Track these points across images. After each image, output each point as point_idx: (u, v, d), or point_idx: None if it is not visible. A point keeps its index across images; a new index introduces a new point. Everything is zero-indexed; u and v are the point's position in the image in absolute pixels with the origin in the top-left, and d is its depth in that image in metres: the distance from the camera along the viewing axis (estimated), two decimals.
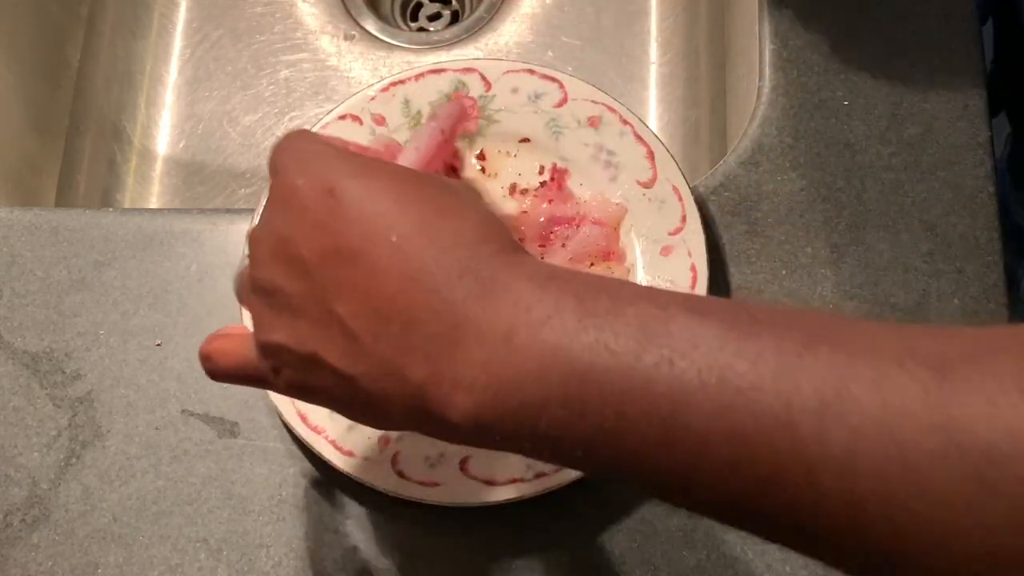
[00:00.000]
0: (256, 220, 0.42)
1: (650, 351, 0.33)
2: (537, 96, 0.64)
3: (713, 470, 0.32)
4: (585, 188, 0.62)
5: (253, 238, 0.41)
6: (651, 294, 0.35)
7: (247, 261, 0.42)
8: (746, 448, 0.32)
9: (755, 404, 0.32)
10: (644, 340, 0.33)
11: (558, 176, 0.63)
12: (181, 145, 0.86)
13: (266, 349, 0.40)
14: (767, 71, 0.65)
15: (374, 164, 0.40)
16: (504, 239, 0.39)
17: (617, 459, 0.34)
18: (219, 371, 0.45)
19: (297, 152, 0.41)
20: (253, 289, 0.41)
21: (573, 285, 0.36)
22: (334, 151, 0.41)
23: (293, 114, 0.86)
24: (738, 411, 0.32)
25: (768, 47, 0.66)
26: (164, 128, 0.87)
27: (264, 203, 0.42)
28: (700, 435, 0.32)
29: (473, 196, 0.41)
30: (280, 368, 0.40)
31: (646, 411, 0.33)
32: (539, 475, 0.56)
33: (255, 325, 0.41)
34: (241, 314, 0.59)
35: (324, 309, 0.38)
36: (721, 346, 0.33)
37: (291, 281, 0.39)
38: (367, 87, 0.65)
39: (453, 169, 0.61)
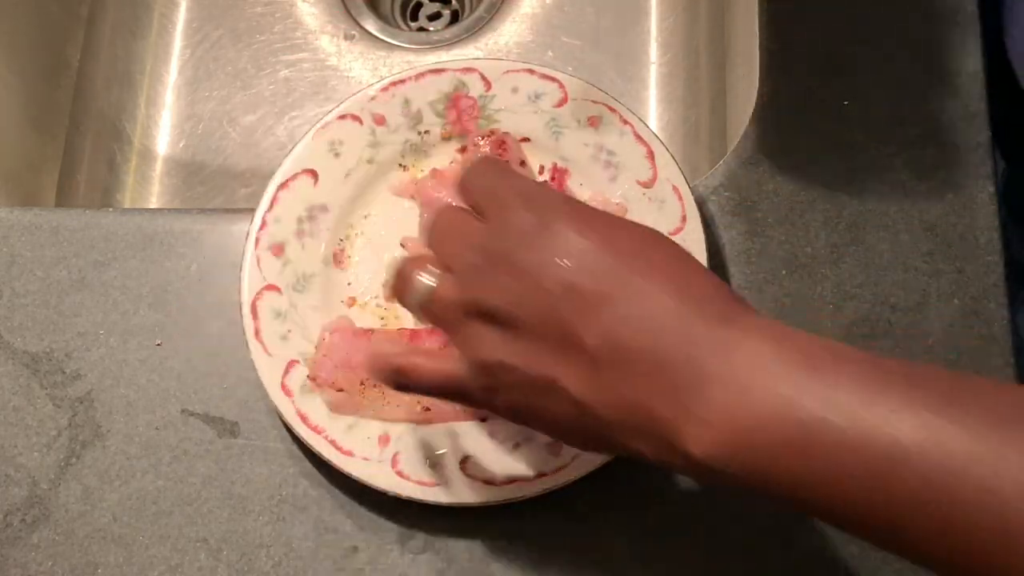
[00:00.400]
0: (449, 240, 0.46)
1: (873, 410, 0.37)
2: (537, 96, 0.64)
3: (922, 526, 0.36)
4: (585, 188, 0.62)
5: (466, 263, 0.44)
6: (865, 356, 0.39)
7: (425, 282, 0.45)
8: (959, 510, 0.35)
9: (970, 471, 0.35)
10: (867, 399, 0.37)
11: (558, 176, 0.63)
12: (181, 145, 0.86)
13: (487, 368, 0.43)
14: (767, 71, 0.65)
15: (603, 213, 0.44)
16: (732, 293, 0.43)
17: (832, 506, 0.38)
18: (419, 386, 0.47)
19: (522, 188, 0.44)
20: (467, 311, 0.43)
21: (800, 344, 0.40)
22: (558, 193, 0.45)
23: (293, 114, 0.86)
24: (954, 476, 0.35)
25: (768, 47, 0.66)
26: (164, 128, 0.87)
27: (461, 229, 0.45)
28: (914, 493, 0.36)
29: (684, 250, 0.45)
30: (498, 387, 0.43)
31: (866, 464, 0.36)
32: (539, 475, 0.56)
33: (471, 344, 0.44)
34: (241, 311, 0.59)
35: (569, 340, 0.41)
36: (938, 412, 0.36)
37: (529, 309, 0.42)
38: (367, 87, 0.65)
39: None
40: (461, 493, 0.56)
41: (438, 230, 0.46)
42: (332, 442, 0.57)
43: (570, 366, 0.41)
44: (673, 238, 0.59)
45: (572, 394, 0.41)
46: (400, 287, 0.47)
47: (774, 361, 0.39)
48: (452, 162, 0.63)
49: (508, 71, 0.64)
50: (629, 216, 0.61)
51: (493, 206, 0.44)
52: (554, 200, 0.44)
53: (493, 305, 0.42)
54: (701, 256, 0.59)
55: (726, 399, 0.39)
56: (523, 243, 0.42)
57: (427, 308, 0.46)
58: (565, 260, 0.41)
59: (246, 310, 0.59)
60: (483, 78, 0.64)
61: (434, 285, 0.45)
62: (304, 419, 0.57)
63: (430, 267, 0.46)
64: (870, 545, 0.40)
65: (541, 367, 0.42)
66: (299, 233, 0.62)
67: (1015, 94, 0.67)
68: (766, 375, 0.39)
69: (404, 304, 0.47)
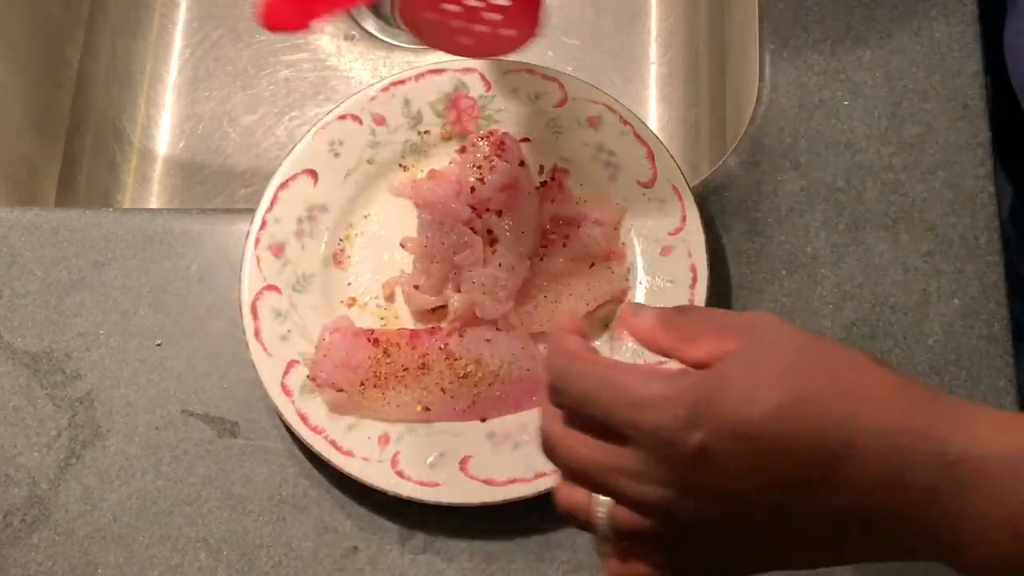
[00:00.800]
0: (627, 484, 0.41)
1: None
2: (537, 96, 0.64)
3: None
4: (585, 188, 0.62)
5: (645, 498, 0.40)
6: None
7: (605, 518, 0.41)
8: None
9: None
10: None
11: (558, 176, 0.63)
12: (181, 145, 0.86)
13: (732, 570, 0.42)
14: (767, 71, 0.65)
15: (738, 377, 0.39)
16: (926, 390, 0.39)
17: None
18: None
19: (639, 397, 0.39)
20: (681, 542, 0.41)
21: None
22: (676, 382, 0.39)
23: (293, 114, 0.86)
24: None
25: (768, 47, 0.66)
26: (164, 128, 0.87)
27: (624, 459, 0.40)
28: None
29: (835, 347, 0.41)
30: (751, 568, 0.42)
31: None
32: (539, 475, 0.56)
33: (704, 562, 0.41)
34: (241, 311, 0.59)
35: (800, 526, 0.39)
36: None
37: (746, 521, 0.39)
38: (367, 87, 0.65)
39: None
40: (461, 493, 0.56)
41: (572, 463, 0.42)
42: (332, 442, 0.57)
43: (814, 544, 0.40)
44: (673, 238, 0.60)
45: (826, 556, 0.40)
46: (576, 520, 0.43)
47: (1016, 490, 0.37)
48: (451, 162, 0.63)
49: (508, 71, 0.64)
50: (629, 216, 0.61)
51: (631, 427, 0.40)
52: (686, 396, 0.39)
53: (707, 529, 0.40)
54: (701, 256, 0.59)
55: (986, 547, 0.37)
56: (699, 466, 0.38)
57: (619, 539, 0.42)
58: (750, 466, 0.38)
59: (246, 310, 0.59)
60: (483, 78, 0.64)
61: (609, 512, 0.41)
62: (304, 419, 0.57)
63: (599, 498, 0.41)
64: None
65: (785, 552, 0.40)
66: (299, 233, 0.62)
67: (1020, 117, 0.66)
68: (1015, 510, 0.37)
69: (590, 531, 0.43)
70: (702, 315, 0.44)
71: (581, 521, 0.42)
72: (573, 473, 0.42)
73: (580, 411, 0.41)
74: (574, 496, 0.42)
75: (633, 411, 0.40)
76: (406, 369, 0.59)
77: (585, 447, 0.41)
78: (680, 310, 0.44)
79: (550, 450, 0.43)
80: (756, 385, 0.38)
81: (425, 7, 0.52)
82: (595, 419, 0.41)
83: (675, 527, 0.40)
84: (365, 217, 0.63)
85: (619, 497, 0.41)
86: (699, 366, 0.41)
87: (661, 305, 0.58)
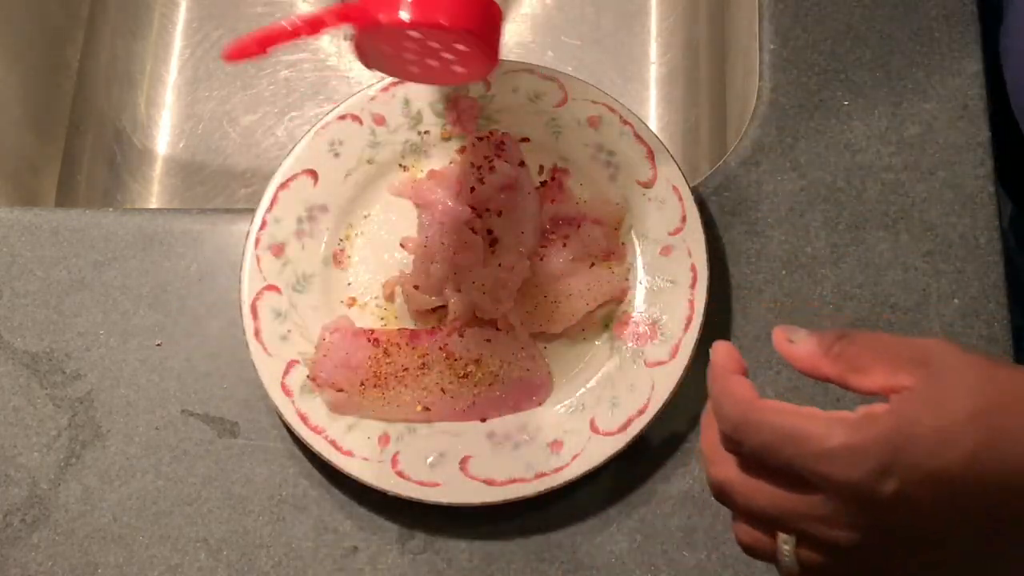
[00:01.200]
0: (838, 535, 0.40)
1: None
2: (537, 96, 0.64)
3: None
4: (585, 188, 0.62)
5: (838, 541, 0.40)
6: None
7: (791, 557, 0.41)
8: None
9: None
10: None
11: (558, 176, 0.63)
12: (181, 145, 0.86)
13: None
14: (767, 71, 0.65)
15: (926, 420, 0.38)
16: None
17: None
18: None
19: (847, 459, 0.38)
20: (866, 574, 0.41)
21: None
22: (864, 431, 0.38)
23: (293, 114, 0.86)
24: None
25: (768, 47, 0.66)
26: (164, 128, 0.87)
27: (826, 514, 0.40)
28: None
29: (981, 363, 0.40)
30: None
31: None
32: (539, 475, 0.56)
33: None
34: (241, 311, 0.59)
35: (977, 560, 0.39)
36: None
37: (927, 555, 0.39)
38: (367, 87, 0.65)
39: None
40: (461, 493, 0.56)
41: (755, 510, 0.41)
42: (332, 442, 0.57)
43: (998, 571, 0.40)
44: (673, 238, 0.60)
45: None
46: (759, 555, 0.43)
47: None
48: (451, 162, 0.63)
49: (508, 71, 0.64)
50: (629, 216, 0.61)
51: (819, 478, 0.39)
52: (874, 445, 0.38)
53: (894, 564, 0.40)
54: (701, 256, 0.59)
55: None
56: (892, 513, 0.38)
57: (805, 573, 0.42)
58: (945, 509, 0.38)
59: (246, 310, 0.59)
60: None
61: (794, 551, 0.41)
62: (304, 419, 0.57)
63: (783, 536, 0.41)
64: None
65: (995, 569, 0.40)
66: (299, 233, 0.62)
67: (1019, 134, 0.66)
68: None
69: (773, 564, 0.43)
70: (868, 342, 0.42)
71: (764, 557, 0.42)
72: (755, 519, 0.42)
73: (760, 460, 0.40)
74: (755, 534, 0.42)
75: (820, 464, 0.39)
76: (406, 369, 0.59)
77: (767, 495, 0.41)
78: (842, 336, 0.42)
79: (727, 497, 0.42)
80: (947, 428, 0.38)
81: (383, 41, 0.51)
82: (776, 467, 0.40)
83: (861, 564, 0.40)
84: (365, 217, 0.63)
85: (805, 539, 0.40)
86: (870, 395, 0.40)
87: (662, 305, 0.59)
